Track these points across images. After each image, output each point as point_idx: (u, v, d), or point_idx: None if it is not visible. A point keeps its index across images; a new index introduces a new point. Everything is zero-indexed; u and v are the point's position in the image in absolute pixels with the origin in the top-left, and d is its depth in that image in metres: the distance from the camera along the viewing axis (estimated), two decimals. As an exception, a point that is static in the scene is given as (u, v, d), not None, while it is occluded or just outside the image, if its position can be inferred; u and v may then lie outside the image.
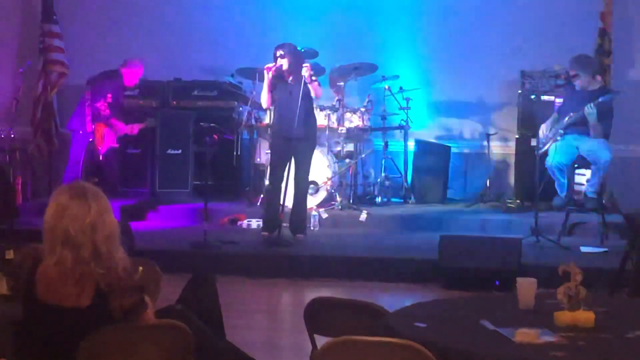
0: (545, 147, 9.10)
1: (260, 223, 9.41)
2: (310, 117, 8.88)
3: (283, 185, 8.69)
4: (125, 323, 3.59)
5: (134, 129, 10.41)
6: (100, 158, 10.06)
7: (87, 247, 3.54)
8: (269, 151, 9.76)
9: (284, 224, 8.86)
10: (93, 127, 10.00)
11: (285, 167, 8.68)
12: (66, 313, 3.57)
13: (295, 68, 8.68)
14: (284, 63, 8.64)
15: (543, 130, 9.18)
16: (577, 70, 9.16)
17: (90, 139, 10.03)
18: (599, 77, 9.44)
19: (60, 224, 3.55)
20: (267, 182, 9.29)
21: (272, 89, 8.77)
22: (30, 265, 3.64)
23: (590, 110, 8.77)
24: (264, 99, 8.86)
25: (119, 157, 10.64)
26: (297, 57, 8.81)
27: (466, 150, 11.21)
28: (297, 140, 8.61)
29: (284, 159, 8.71)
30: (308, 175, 8.89)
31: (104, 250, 3.57)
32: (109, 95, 10.05)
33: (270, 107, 9.32)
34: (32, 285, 3.61)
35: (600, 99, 8.73)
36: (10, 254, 4.40)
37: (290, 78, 8.70)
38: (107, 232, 3.60)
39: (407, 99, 10.50)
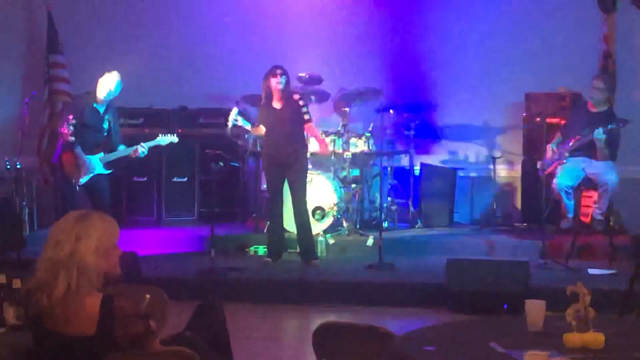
0: (550, 169, 9.09)
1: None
2: (301, 142, 8.93)
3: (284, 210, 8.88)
4: (131, 351, 3.57)
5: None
6: (77, 189, 8.56)
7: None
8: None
9: (290, 250, 8.87)
10: (60, 156, 8.61)
11: (281, 192, 8.78)
12: (73, 341, 3.55)
13: (289, 91, 8.78)
14: (282, 82, 8.67)
15: (550, 150, 9.18)
16: (601, 85, 9.16)
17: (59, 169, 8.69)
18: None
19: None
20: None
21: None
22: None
23: (600, 135, 8.74)
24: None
25: (124, 184, 10.64)
26: (289, 82, 8.84)
27: (472, 174, 11.21)
28: (288, 165, 8.64)
29: (279, 185, 8.79)
30: (305, 199, 8.90)
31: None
32: (70, 117, 8.40)
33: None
34: (40, 313, 3.60)
35: (610, 127, 8.69)
36: (17, 284, 4.41)
37: (281, 102, 8.74)
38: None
39: (413, 123, 10.51)
